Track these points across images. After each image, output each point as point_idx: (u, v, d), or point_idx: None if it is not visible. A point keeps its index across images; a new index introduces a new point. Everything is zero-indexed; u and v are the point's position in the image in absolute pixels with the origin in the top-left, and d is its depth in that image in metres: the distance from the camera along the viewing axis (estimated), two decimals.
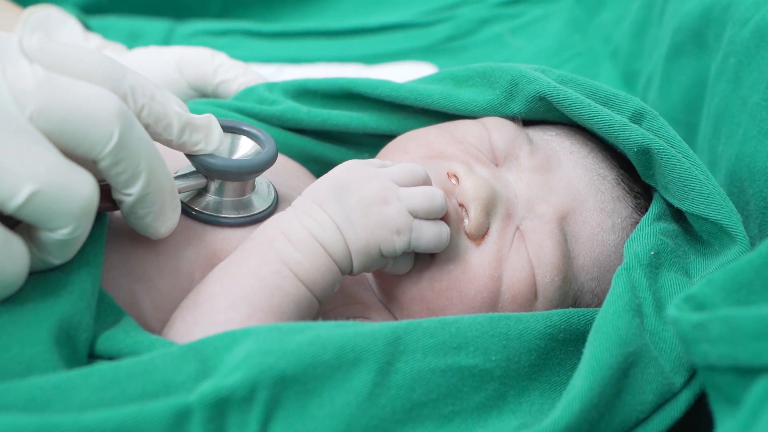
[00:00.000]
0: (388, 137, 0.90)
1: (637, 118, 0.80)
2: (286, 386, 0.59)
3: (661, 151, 0.76)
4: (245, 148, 0.77)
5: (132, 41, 1.34)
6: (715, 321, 0.55)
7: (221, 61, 1.01)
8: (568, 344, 0.70)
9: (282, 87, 0.94)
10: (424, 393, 0.62)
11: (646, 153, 0.78)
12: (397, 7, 1.61)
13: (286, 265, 0.69)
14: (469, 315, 0.68)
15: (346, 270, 0.72)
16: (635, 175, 0.84)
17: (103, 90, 0.62)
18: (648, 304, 0.70)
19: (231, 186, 0.76)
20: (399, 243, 0.71)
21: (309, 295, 0.70)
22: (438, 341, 0.64)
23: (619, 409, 0.65)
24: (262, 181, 0.80)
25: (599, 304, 0.78)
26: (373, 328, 0.63)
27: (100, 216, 0.67)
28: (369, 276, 0.82)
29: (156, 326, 0.72)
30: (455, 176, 0.77)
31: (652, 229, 0.76)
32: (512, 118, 0.85)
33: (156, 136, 0.68)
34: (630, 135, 0.77)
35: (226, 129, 0.76)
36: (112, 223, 0.72)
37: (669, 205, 0.80)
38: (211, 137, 0.72)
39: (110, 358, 0.64)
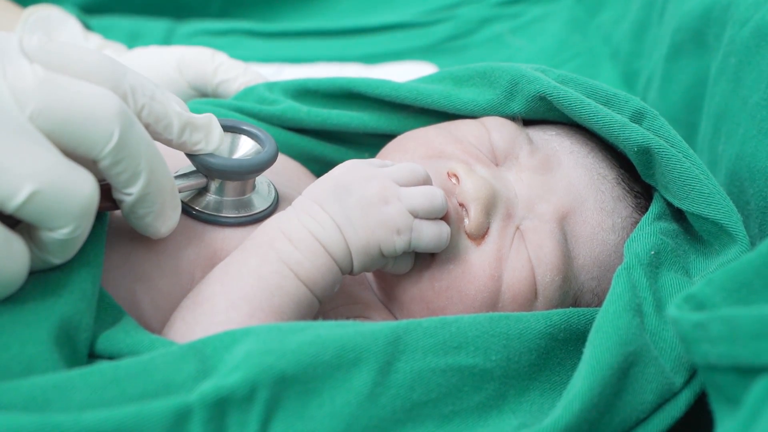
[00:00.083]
0: (388, 137, 0.90)
1: (638, 117, 0.80)
2: (287, 386, 0.59)
3: (661, 150, 0.76)
4: (245, 147, 0.77)
5: (132, 41, 1.34)
6: (715, 320, 0.55)
7: (221, 61, 1.01)
8: (568, 344, 0.70)
9: (282, 87, 0.94)
10: (424, 393, 0.62)
11: (646, 152, 0.78)
12: (397, 7, 1.61)
13: (286, 264, 0.69)
14: (469, 315, 0.68)
15: (347, 270, 0.72)
16: (635, 174, 0.84)
17: (104, 90, 0.62)
18: (648, 304, 0.70)
19: (231, 185, 0.76)
20: (399, 243, 0.71)
21: (309, 294, 0.70)
22: (438, 341, 0.64)
23: (620, 409, 0.65)
24: (262, 180, 0.80)
25: (599, 304, 0.78)
26: (374, 328, 0.63)
27: (101, 215, 0.67)
28: (369, 276, 0.82)
29: (156, 326, 0.72)
30: (455, 176, 0.77)
31: (652, 228, 0.76)
32: (512, 118, 0.85)
33: (156, 136, 0.68)
34: (630, 135, 0.77)
35: (227, 128, 0.76)
36: (113, 223, 0.72)
37: (669, 204, 0.80)
38: (211, 137, 0.72)
39: (110, 357, 0.64)
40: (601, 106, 0.80)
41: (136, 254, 0.72)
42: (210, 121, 0.72)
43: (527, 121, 0.87)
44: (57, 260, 0.62)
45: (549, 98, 0.81)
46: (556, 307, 0.77)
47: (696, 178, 0.76)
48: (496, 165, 0.81)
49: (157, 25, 1.49)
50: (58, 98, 0.59)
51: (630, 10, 1.41)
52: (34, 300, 0.61)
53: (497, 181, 0.78)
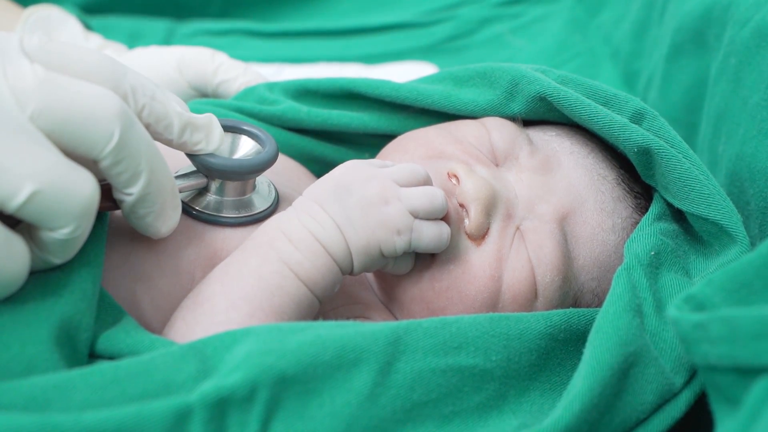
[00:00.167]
0: (389, 137, 0.90)
1: (638, 118, 0.80)
2: (287, 386, 0.59)
3: (661, 151, 0.76)
4: (246, 147, 0.77)
5: (132, 41, 1.34)
6: (715, 321, 0.55)
7: (221, 61, 1.01)
8: (568, 344, 0.70)
9: (282, 87, 0.94)
10: (424, 393, 0.62)
11: (646, 153, 0.78)
12: (398, 7, 1.61)
13: (286, 264, 0.69)
14: (469, 315, 0.68)
15: (347, 270, 0.72)
16: (635, 175, 0.84)
17: (104, 89, 0.62)
18: (648, 305, 0.70)
19: (231, 185, 0.76)
20: (399, 243, 0.71)
21: (309, 294, 0.70)
22: (438, 341, 0.64)
23: (620, 410, 0.65)
24: (262, 180, 0.80)
25: (599, 304, 0.78)
26: (374, 328, 0.63)
27: (101, 215, 0.67)
28: (369, 276, 0.82)
29: (156, 326, 0.72)
30: (455, 176, 0.77)
31: (652, 229, 0.76)
32: (512, 119, 0.85)
33: (156, 136, 0.68)
34: (630, 135, 0.77)
35: (227, 129, 0.76)
36: (113, 223, 0.72)
37: (669, 205, 0.80)
38: (211, 137, 0.72)
39: (111, 357, 0.64)
40: (601, 107, 0.80)
41: (137, 254, 0.72)
42: (210, 121, 0.72)
43: (527, 122, 0.87)
44: (57, 260, 0.62)
45: (549, 99, 0.81)
46: (556, 307, 0.77)
47: (696, 179, 0.76)
48: (496, 165, 0.81)
49: (158, 25, 1.50)
50: (59, 98, 0.59)
51: (630, 11, 1.41)
52: (35, 300, 0.61)
53: (497, 181, 0.78)
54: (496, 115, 0.85)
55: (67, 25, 1.12)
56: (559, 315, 0.70)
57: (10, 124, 0.57)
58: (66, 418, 0.54)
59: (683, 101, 1.13)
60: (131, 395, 0.57)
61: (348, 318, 0.76)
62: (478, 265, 0.75)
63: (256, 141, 0.77)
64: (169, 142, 0.69)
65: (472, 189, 0.75)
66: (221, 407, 0.57)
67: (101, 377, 0.58)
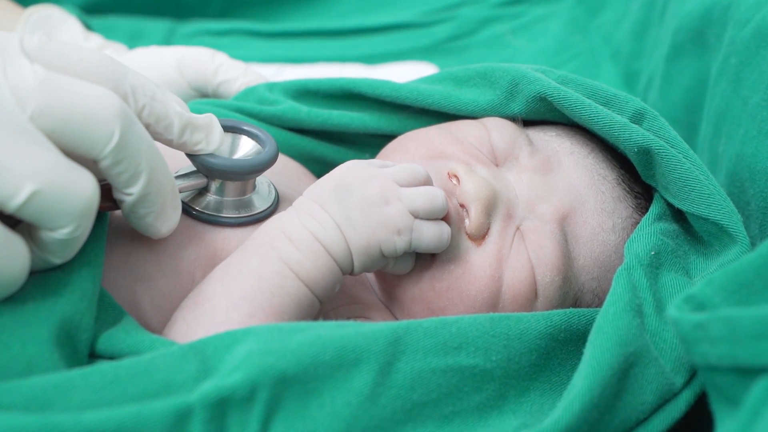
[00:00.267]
0: (389, 137, 0.90)
1: (638, 118, 0.80)
2: (287, 386, 0.59)
3: (661, 151, 0.76)
4: (246, 147, 0.77)
5: (133, 41, 1.34)
6: (715, 321, 0.55)
7: (222, 61, 1.01)
8: (568, 344, 0.70)
9: (283, 87, 0.94)
10: (424, 393, 0.62)
11: (646, 153, 0.78)
12: (398, 7, 1.61)
13: (286, 264, 0.69)
14: (469, 315, 0.68)
15: (347, 270, 0.72)
16: (636, 175, 0.84)
17: (104, 89, 0.62)
18: (648, 305, 0.70)
19: (232, 186, 0.76)
20: (400, 243, 0.71)
21: (310, 294, 0.70)
22: (438, 341, 0.64)
23: (620, 410, 0.65)
24: (262, 180, 0.80)
25: (600, 304, 0.78)
26: (374, 328, 0.63)
27: (101, 215, 0.67)
28: (370, 276, 0.82)
29: (156, 326, 0.72)
30: (456, 176, 0.77)
31: (652, 229, 0.76)
32: (512, 119, 0.85)
33: (157, 136, 0.68)
34: (630, 135, 0.77)
35: (227, 129, 0.76)
36: (113, 223, 0.72)
37: (669, 205, 0.80)
38: (211, 137, 0.72)
39: (111, 357, 0.64)
40: (601, 107, 0.80)
41: (137, 254, 0.72)
42: (210, 122, 0.72)
43: (527, 122, 0.87)
44: (57, 260, 0.62)
45: (549, 99, 0.81)
46: (557, 307, 0.77)
47: (696, 179, 0.76)
48: (497, 165, 0.81)
49: (158, 25, 1.49)
50: (59, 98, 0.59)
51: (630, 11, 1.41)
52: (35, 300, 0.61)
53: (498, 181, 0.78)
54: (496, 115, 0.85)
55: (67, 25, 1.12)
56: (559, 315, 0.70)
57: (10, 124, 0.57)
58: (66, 418, 0.54)
59: (683, 101, 1.13)
60: (131, 395, 0.57)
61: (348, 318, 0.76)
62: (479, 265, 0.75)
63: (256, 141, 0.77)
64: (169, 142, 0.69)
65: (472, 189, 0.75)
66: (221, 407, 0.57)
67: (101, 377, 0.58)
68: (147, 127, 0.66)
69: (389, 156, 0.84)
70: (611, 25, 1.47)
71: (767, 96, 0.87)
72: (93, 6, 1.51)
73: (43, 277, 0.62)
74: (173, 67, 1.01)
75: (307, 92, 0.93)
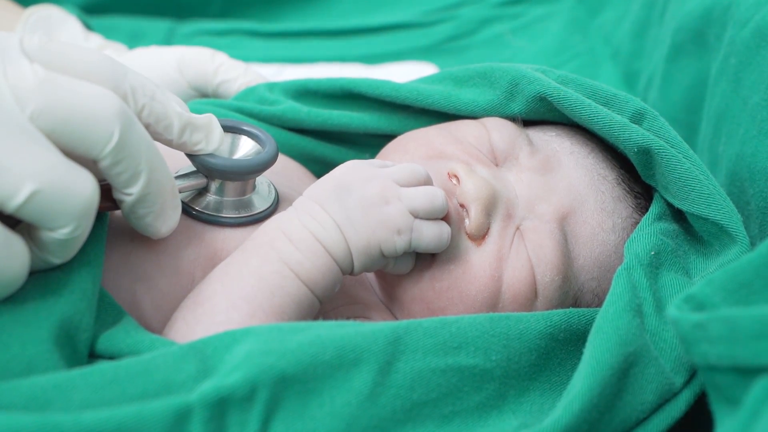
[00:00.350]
0: (389, 137, 0.90)
1: (638, 118, 0.80)
2: (287, 386, 0.59)
3: (661, 151, 0.76)
4: (246, 147, 0.77)
5: (133, 41, 1.34)
6: (715, 321, 0.54)
7: (222, 61, 1.01)
8: (568, 344, 0.70)
9: (282, 87, 0.94)
10: (424, 393, 0.62)
11: (646, 153, 0.78)
12: (398, 7, 1.61)
13: (286, 264, 0.69)
14: (469, 315, 0.68)
15: (347, 270, 0.72)
16: (635, 175, 0.84)
17: (104, 90, 0.62)
18: (648, 304, 0.70)
19: (231, 186, 0.76)
20: (400, 243, 0.71)
21: (310, 294, 0.70)
22: (438, 341, 0.64)
23: (620, 409, 0.65)
24: (262, 180, 0.80)
25: (599, 304, 0.78)
26: (374, 328, 0.63)
27: (101, 215, 0.67)
28: (370, 276, 0.82)
29: (156, 326, 0.72)
30: (456, 176, 0.77)
31: (652, 229, 0.76)
32: (512, 119, 0.85)
33: (156, 136, 0.68)
34: (630, 135, 0.77)
35: (227, 129, 0.76)
36: (113, 223, 0.72)
37: (669, 205, 0.80)
38: (211, 137, 0.72)
39: (111, 357, 0.64)
40: (601, 107, 0.80)
41: (137, 254, 0.72)
42: (210, 122, 0.72)
43: (527, 122, 0.87)
44: (57, 260, 0.62)
45: (549, 99, 0.81)
46: (557, 307, 0.77)
47: (696, 179, 0.76)
48: (496, 165, 0.81)
49: (158, 25, 1.50)
50: (59, 98, 0.59)
51: (630, 11, 1.41)
52: (35, 300, 0.61)
53: (497, 181, 0.78)
54: (496, 115, 0.85)
55: (67, 25, 1.12)
56: (559, 315, 0.70)
57: (10, 124, 0.57)
58: (66, 418, 0.54)
59: (683, 101, 1.13)
60: (131, 395, 0.57)
61: (348, 318, 0.76)
62: (479, 265, 0.75)
63: (256, 141, 0.77)
64: (168, 143, 0.69)
65: (472, 189, 0.75)
66: (221, 407, 0.57)
67: (101, 377, 0.58)
68: (147, 127, 0.66)
69: (389, 156, 0.84)
70: (611, 25, 1.47)
71: (767, 96, 0.87)
72: (93, 6, 1.51)
73: (43, 277, 0.62)
74: (173, 67, 1.01)
75: (307, 92, 0.93)
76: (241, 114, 0.91)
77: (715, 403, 0.58)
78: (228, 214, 0.76)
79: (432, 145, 0.82)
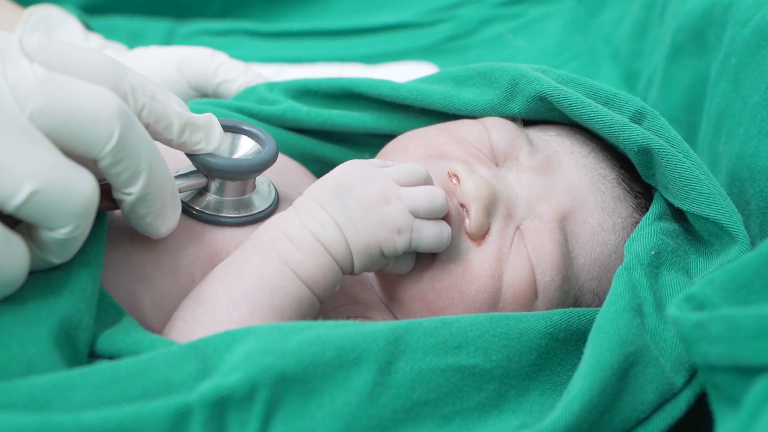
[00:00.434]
0: (389, 137, 0.90)
1: (638, 118, 0.80)
2: (287, 386, 0.59)
3: (661, 150, 0.76)
4: (246, 147, 0.77)
5: (133, 41, 1.34)
6: (715, 320, 0.54)
7: (222, 61, 1.01)
8: (568, 344, 0.70)
9: (282, 87, 0.94)
10: (424, 392, 0.62)
11: (646, 153, 0.78)
12: (398, 7, 1.61)
13: (287, 264, 0.69)
14: (469, 315, 0.68)
15: (347, 270, 0.72)
16: (636, 174, 0.84)
17: (104, 89, 0.62)
18: (648, 304, 0.70)
19: (231, 185, 0.76)
20: (400, 243, 0.71)
21: (310, 294, 0.70)
22: (438, 341, 0.64)
23: (620, 409, 0.65)
24: (262, 180, 0.80)
25: (600, 304, 0.78)
26: (374, 328, 0.63)
27: (101, 215, 0.67)
28: (370, 276, 0.82)
29: (156, 326, 0.72)
30: (456, 176, 0.77)
31: (652, 228, 0.76)
32: (512, 118, 0.85)
33: (156, 136, 0.68)
34: (630, 135, 0.77)
35: (227, 128, 0.76)
36: (113, 223, 0.72)
37: (669, 204, 0.80)
38: (211, 137, 0.72)
39: (111, 357, 0.64)
40: (601, 107, 0.80)
41: (136, 254, 0.72)
42: (210, 121, 0.72)
43: (527, 122, 0.87)
44: (57, 260, 0.62)
45: (549, 98, 0.81)
46: (557, 307, 0.77)
47: (696, 179, 0.76)
48: (496, 165, 0.81)
49: (158, 25, 1.50)
50: (59, 98, 0.59)
51: (630, 11, 1.41)
52: (35, 300, 0.61)
53: (498, 181, 0.78)
54: (496, 115, 0.85)
55: (67, 25, 1.12)
56: (559, 315, 0.70)
57: (10, 123, 0.57)
58: (66, 418, 0.54)
59: (683, 101, 1.13)
60: (131, 395, 0.57)
61: (348, 318, 0.76)
62: (479, 265, 0.75)
63: (256, 141, 0.77)
64: (168, 142, 0.69)
65: (472, 189, 0.75)
66: (221, 407, 0.57)
67: (101, 377, 0.58)
68: (147, 126, 0.66)
69: (389, 156, 0.84)
70: (611, 24, 1.47)
71: (767, 95, 0.87)
72: (93, 6, 1.51)
73: (43, 277, 0.62)
74: (173, 67, 1.01)
75: (307, 92, 0.93)
76: (241, 114, 0.91)
77: (715, 402, 0.58)
78: (228, 213, 0.76)
79: (432, 145, 0.82)
